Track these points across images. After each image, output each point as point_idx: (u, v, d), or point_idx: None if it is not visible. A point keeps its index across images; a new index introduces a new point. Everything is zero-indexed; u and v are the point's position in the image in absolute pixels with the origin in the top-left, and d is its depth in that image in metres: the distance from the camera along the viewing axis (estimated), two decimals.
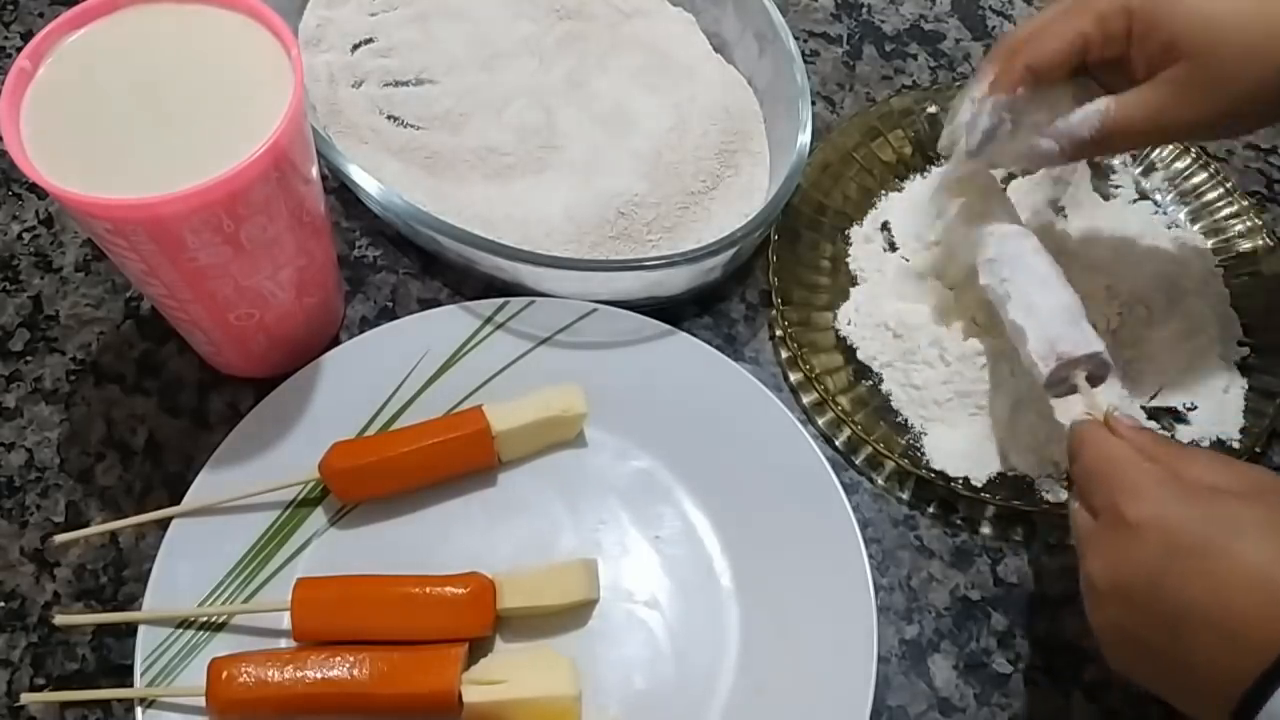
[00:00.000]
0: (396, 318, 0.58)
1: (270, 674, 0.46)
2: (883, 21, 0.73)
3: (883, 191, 0.64)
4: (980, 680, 0.51)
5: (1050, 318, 0.49)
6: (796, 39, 0.62)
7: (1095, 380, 0.49)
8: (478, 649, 0.49)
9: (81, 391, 0.57)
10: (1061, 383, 0.49)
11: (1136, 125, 0.47)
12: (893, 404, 0.57)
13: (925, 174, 0.64)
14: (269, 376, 0.55)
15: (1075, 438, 0.45)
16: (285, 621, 0.48)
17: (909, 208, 0.62)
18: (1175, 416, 0.56)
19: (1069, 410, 0.55)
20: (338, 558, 0.51)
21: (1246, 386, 0.57)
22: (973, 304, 0.58)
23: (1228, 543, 0.37)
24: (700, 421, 0.55)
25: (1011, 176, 0.63)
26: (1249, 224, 0.61)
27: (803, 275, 0.60)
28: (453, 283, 0.61)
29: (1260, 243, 0.61)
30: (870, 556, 0.51)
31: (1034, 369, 0.49)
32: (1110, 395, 0.56)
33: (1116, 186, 0.64)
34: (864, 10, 0.73)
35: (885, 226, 0.62)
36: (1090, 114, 0.48)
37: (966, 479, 0.54)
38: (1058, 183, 0.63)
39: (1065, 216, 0.62)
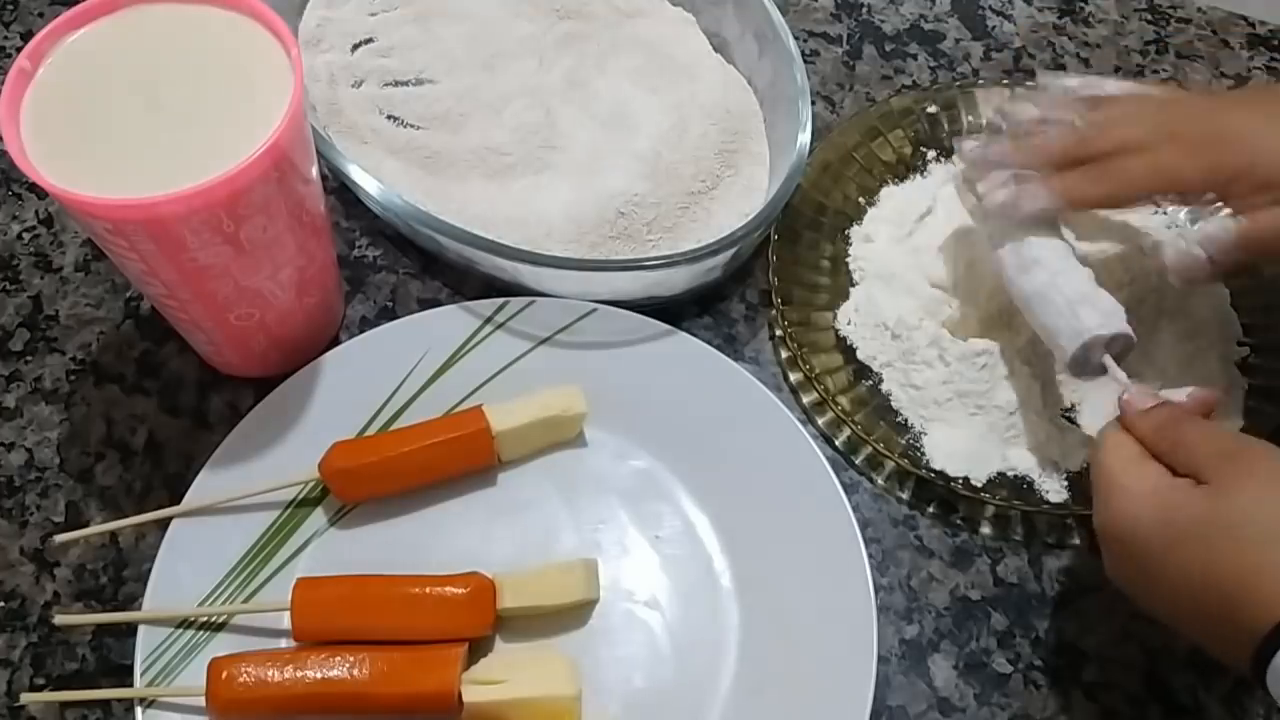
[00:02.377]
0: (396, 318, 0.58)
1: (270, 674, 0.46)
2: (883, 21, 0.73)
3: (883, 191, 0.64)
4: (980, 680, 0.51)
5: (1070, 301, 0.50)
6: (796, 39, 0.63)
7: (1121, 357, 0.49)
8: (478, 649, 0.49)
9: (81, 391, 0.57)
10: (1085, 365, 0.50)
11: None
12: (893, 404, 0.57)
13: (925, 174, 0.64)
14: (269, 376, 0.55)
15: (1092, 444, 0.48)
16: (285, 621, 0.48)
17: (906, 206, 0.62)
18: None
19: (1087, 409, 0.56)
20: (338, 558, 0.51)
21: (1246, 386, 0.57)
22: (972, 304, 0.58)
23: (1166, 553, 0.41)
24: (700, 421, 0.55)
25: None
26: None
27: (803, 275, 0.60)
28: (453, 283, 0.61)
29: None
30: (870, 556, 0.51)
31: (1057, 352, 0.50)
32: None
33: None
34: (864, 10, 0.73)
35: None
36: (1228, 225, 0.49)
37: (966, 479, 0.54)
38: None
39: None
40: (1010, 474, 0.54)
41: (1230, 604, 0.39)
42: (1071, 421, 0.56)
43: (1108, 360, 0.49)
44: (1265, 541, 0.39)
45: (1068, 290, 0.50)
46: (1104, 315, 0.49)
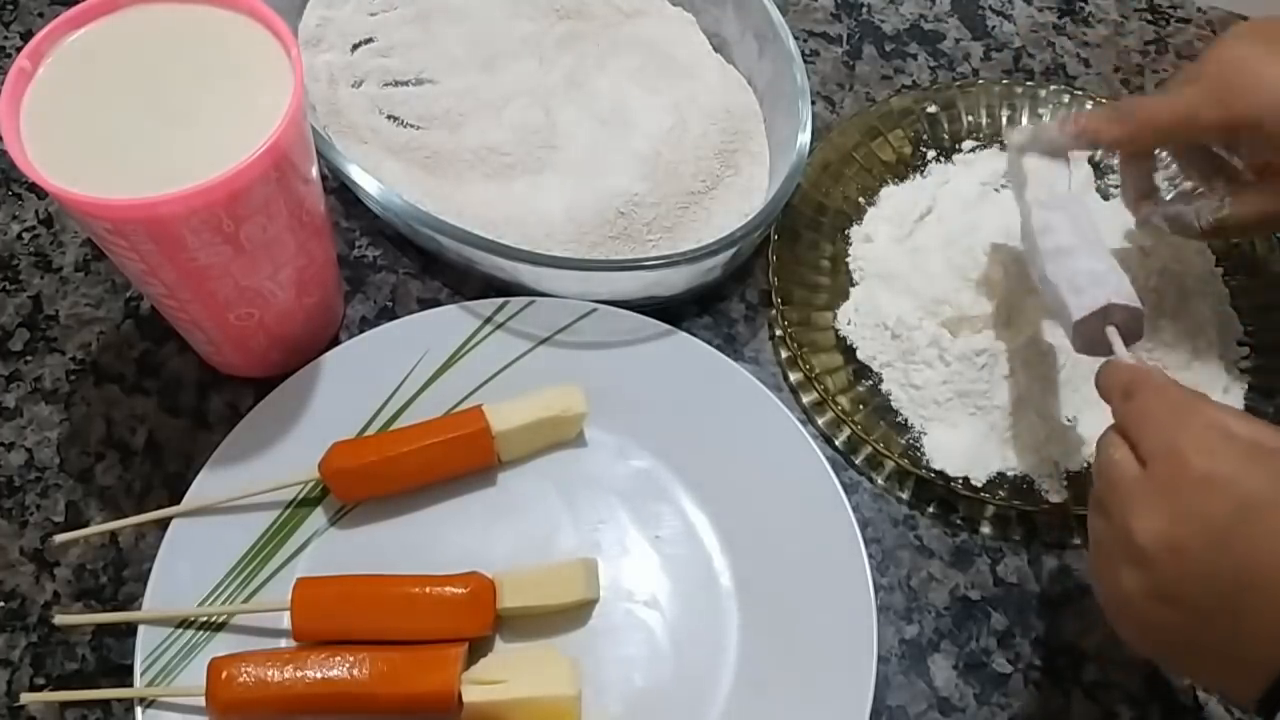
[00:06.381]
0: (396, 318, 0.58)
1: (270, 674, 0.46)
2: (883, 21, 0.73)
3: (883, 191, 0.64)
4: (980, 680, 0.51)
5: (1079, 273, 0.49)
6: (796, 39, 0.62)
7: (1130, 337, 0.48)
8: (478, 649, 0.49)
9: (81, 391, 0.57)
10: (1091, 338, 0.48)
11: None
12: (892, 404, 0.57)
13: (925, 174, 0.64)
14: (269, 376, 0.55)
15: (1129, 375, 0.43)
16: (285, 621, 0.48)
17: (906, 206, 0.62)
18: None
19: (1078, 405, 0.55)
20: (338, 558, 0.51)
21: (1247, 386, 0.57)
22: (972, 304, 0.58)
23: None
24: (700, 421, 0.55)
25: None
26: None
27: (803, 275, 0.60)
28: (453, 283, 0.61)
29: (1260, 242, 0.61)
30: (870, 556, 0.51)
31: (1064, 324, 0.49)
32: None
33: (1117, 186, 0.64)
34: (864, 10, 0.73)
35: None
36: (1214, 202, 0.52)
37: (966, 479, 0.54)
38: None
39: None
40: (1010, 474, 0.54)
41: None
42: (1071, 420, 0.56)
43: (1113, 337, 0.47)
44: None
45: (1080, 264, 0.49)
46: (1105, 288, 0.48)
